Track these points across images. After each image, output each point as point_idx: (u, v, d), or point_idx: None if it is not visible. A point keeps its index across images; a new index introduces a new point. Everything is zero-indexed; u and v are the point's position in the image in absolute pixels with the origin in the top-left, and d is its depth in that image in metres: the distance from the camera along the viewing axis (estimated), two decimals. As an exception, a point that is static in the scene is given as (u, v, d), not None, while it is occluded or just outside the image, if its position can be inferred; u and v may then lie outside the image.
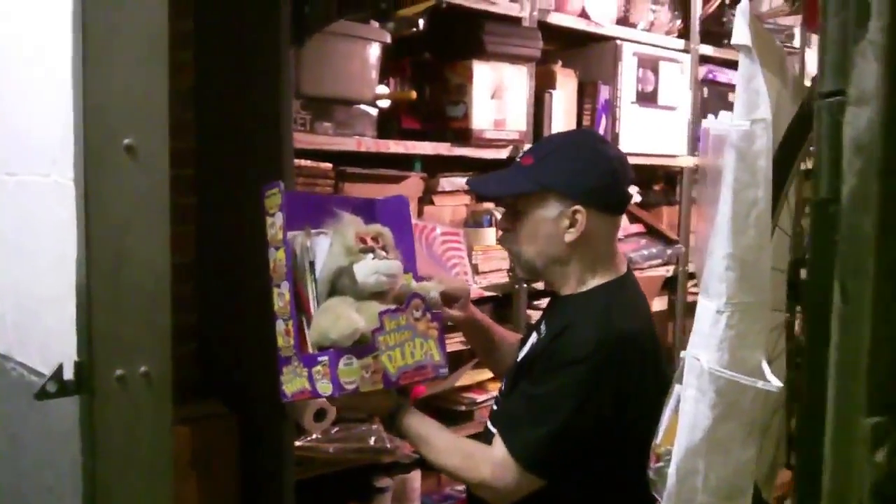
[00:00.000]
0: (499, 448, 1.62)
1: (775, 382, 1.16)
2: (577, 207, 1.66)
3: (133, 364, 1.48)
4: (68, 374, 1.45)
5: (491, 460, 1.62)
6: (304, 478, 2.22)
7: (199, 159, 2.25)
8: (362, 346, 1.59)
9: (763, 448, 1.37)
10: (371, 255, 1.67)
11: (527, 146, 2.69)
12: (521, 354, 1.77)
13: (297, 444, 2.23)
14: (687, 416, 1.23)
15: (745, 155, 1.16)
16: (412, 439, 1.72)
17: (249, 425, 2.15)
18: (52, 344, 1.53)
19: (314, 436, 2.30)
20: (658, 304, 3.28)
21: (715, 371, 1.19)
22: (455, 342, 2.21)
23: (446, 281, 1.88)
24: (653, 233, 3.26)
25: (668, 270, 3.27)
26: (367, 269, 1.65)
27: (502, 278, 2.67)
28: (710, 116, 3.50)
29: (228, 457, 2.11)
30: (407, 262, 1.79)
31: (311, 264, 1.69)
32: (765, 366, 1.19)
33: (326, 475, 2.34)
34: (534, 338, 1.76)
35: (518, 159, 1.77)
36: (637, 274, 3.06)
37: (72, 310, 1.46)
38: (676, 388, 1.31)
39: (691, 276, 3.39)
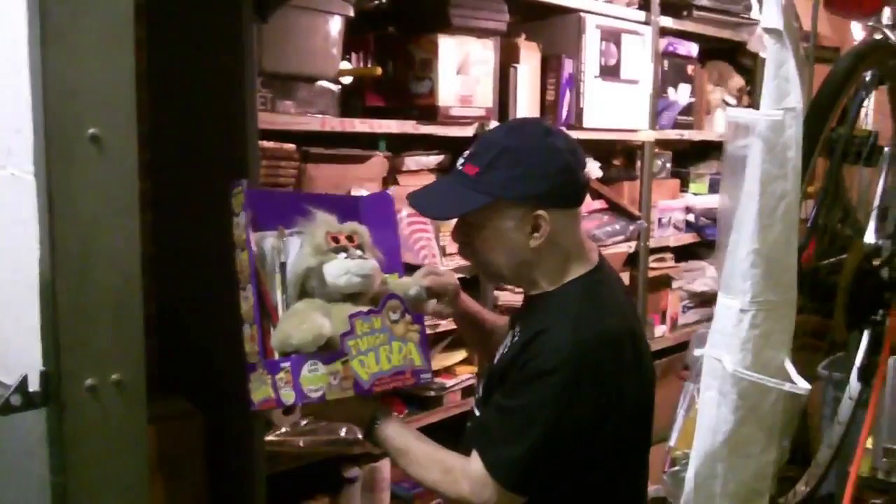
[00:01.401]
0: (476, 464, 1.54)
1: (803, 384, 1.11)
2: (539, 213, 1.55)
3: (104, 372, 1.37)
4: (34, 385, 1.33)
5: (470, 476, 1.54)
6: (273, 472, 2.14)
7: (154, 143, 2.12)
8: (330, 352, 1.50)
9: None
10: (343, 255, 1.56)
11: (493, 123, 2.61)
12: (497, 356, 1.68)
13: (267, 438, 2.13)
14: (707, 418, 1.18)
15: (773, 146, 1.10)
16: (390, 451, 1.63)
17: (217, 423, 2.05)
18: (15, 353, 1.40)
19: (283, 429, 2.22)
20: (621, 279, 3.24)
21: (738, 373, 1.14)
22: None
23: (431, 275, 1.76)
24: (614, 209, 3.22)
25: (630, 246, 3.23)
26: (338, 270, 1.55)
27: (470, 260, 2.59)
28: (670, 90, 3.48)
29: (197, 457, 2.01)
30: (391, 261, 1.70)
31: (283, 265, 1.60)
32: (789, 366, 1.14)
33: (294, 467, 2.26)
34: (509, 339, 1.67)
35: (459, 167, 1.61)
36: (601, 251, 3.06)
37: (35, 315, 1.34)
38: (688, 387, 1.25)
39: (653, 251, 3.37)
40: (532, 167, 1.55)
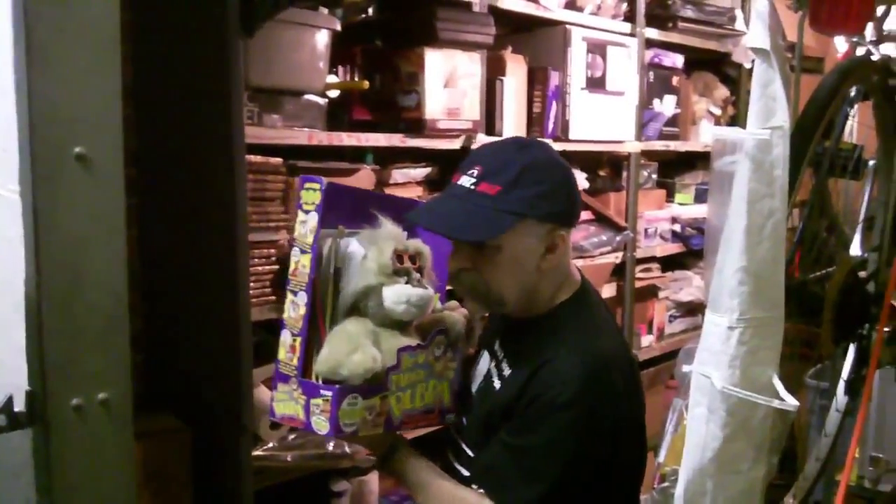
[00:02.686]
0: None
1: (791, 401, 1.12)
2: (560, 232, 1.52)
3: (91, 391, 1.36)
4: (19, 405, 1.32)
5: None
6: (261, 487, 2.13)
7: (140, 158, 2.11)
8: (371, 385, 1.43)
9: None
10: (405, 279, 1.49)
11: (480, 135, 2.62)
12: (478, 386, 1.64)
13: (254, 453, 2.12)
14: (695, 435, 1.18)
15: (760, 164, 1.11)
16: (407, 484, 1.58)
17: (204, 438, 2.04)
18: (0, 373, 1.39)
19: (270, 444, 2.20)
20: (607, 290, 3.25)
21: (727, 389, 1.14)
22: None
23: (461, 310, 1.68)
24: (601, 220, 3.23)
25: (617, 257, 3.24)
26: (398, 296, 1.48)
27: (458, 273, 2.59)
28: (656, 101, 3.49)
29: (184, 473, 2.00)
30: (440, 283, 1.65)
31: (337, 271, 1.52)
32: (777, 383, 1.15)
33: (281, 482, 2.24)
34: (491, 367, 1.62)
35: (470, 186, 1.51)
36: (587, 262, 3.07)
37: (21, 335, 1.33)
38: (677, 403, 1.26)
39: (640, 261, 3.38)
40: (554, 185, 1.51)
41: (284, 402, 1.47)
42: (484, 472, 1.52)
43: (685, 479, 1.20)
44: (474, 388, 1.64)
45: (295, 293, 1.48)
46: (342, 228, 1.53)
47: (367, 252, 1.51)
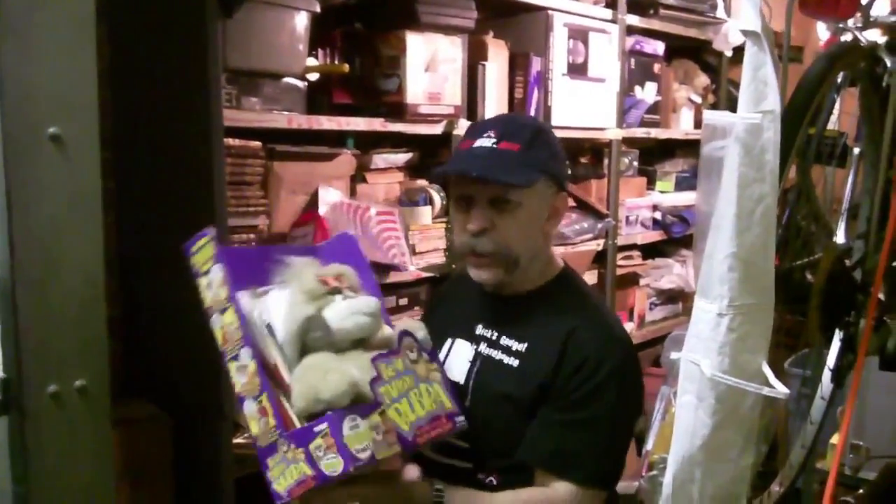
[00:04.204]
0: (564, 488, 1.46)
1: (781, 389, 1.11)
2: (563, 194, 1.60)
3: (67, 378, 1.33)
4: (-6, 392, 1.29)
5: (566, 500, 1.46)
6: (242, 475, 2.10)
7: (117, 141, 2.07)
8: (364, 404, 1.28)
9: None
10: (340, 296, 1.39)
11: (462, 121, 2.59)
12: (469, 370, 1.60)
13: (235, 441, 2.09)
14: (684, 422, 1.17)
15: (751, 149, 1.09)
16: None
17: (184, 426, 2.01)
18: (-27, 360, 1.36)
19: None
20: (589, 277, 3.24)
21: (716, 377, 1.13)
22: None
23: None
24: (582, 207, 3.21)
25: (598, 244, 3.23)
26: (342, 312, 1.37)
27: (440, 258, 2.57)
28: (637, 88, 3.48)
29: (163, 461, 1.97)
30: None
31: (269, 327, 1.38)
32: (767, 370, 1.13)
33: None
34: (484, 349, 1.60)
35: (494, 146, 1.53)
36: (568, 249, 3.06)
37: (-6, 321, 1.30)
38: (664, 391, 1.24)
39: (621, 248, 3.37)
40: (558, 150, 1.60)
41: (283, 473, 1.25)
42: (549, 457, 1.48)
43: (673, 468, 1.19)
44: (461, 377, 1.59)
45: (235, 357, 1.32)
46: (255, 289, 1.44)
47: (291, 289, 1.42)
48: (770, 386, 1.12)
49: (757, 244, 1.12)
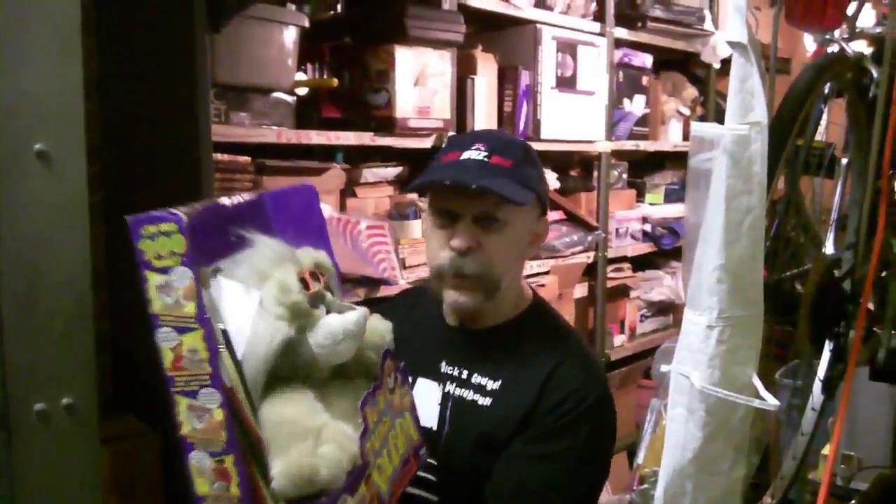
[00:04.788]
0: None
1: (771, 400, 1.10)
2: (545, 218, 1.51)
3: (54, 396, 1.32)
4: (-21, 411, 1.28)
5: None
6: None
7: (105, 154, 2.06)
8: (351, 473, 1.06)
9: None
10: (324, 309, 1.13)
11: (451, 134, 2.59)
12: (437, 413, 1.46)
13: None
14: (674, 435, 1.17)
15: (738, 160, 1.09)
16: None
17: (172, 443, 1.99)
18: (-42, 378, 1.35)
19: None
20: (579, 290, 3.25)
21: (706, 389, 1.12)
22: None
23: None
24: (572, 219, 3.22)
25: (588, 257, 3.23)
26: (331, 336, 1.11)
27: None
28: (626, 101, 3.49)
29: (153, 477, 1.95)
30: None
31: (225, 334, 1.05)
32: (757, 382, 1.13)
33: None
34: (453, 389, 1.46)
35: (486, 159, 1.41)
36: (558, 261, 3.06)
37: (-20, 338, 1.29)
38: (655, 404, 1.24)
39: (611, 261, 3.37)
40: (541, 170, 1.51)
41: None
42: (512, 493, 1.36)
43: (664, 481, 1.18)
44: (432, 422, 1.45)
45: (192, 394, 0.98)
46: (204, 270, 1.08)
47: (258, 292, 1.09)
48: (761, 398, 1.12)
49: (745, 256, 1.12)
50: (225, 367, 1.01)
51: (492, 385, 1.43)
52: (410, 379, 1.38)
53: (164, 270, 0.99)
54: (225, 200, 1.22)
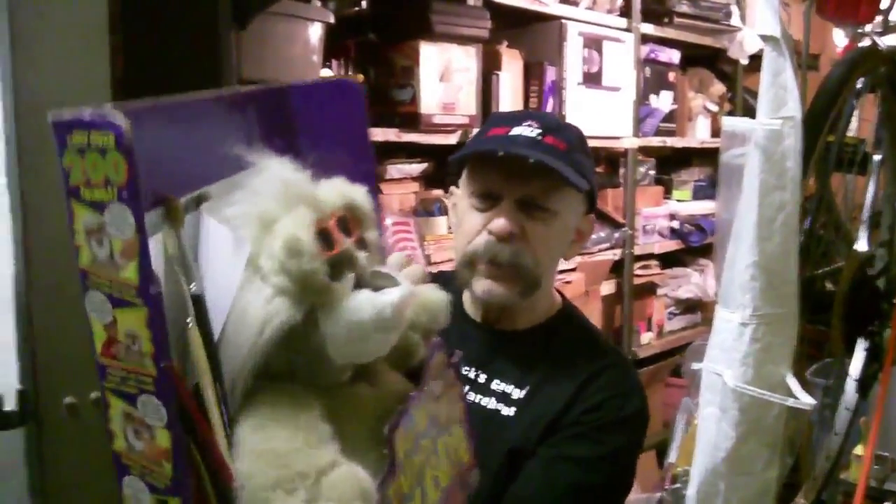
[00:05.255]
0: None
1: (806, 399, 1.08)
2: (591, 215, 1.35)
3: (84, 390, 1.32)
4: (10, 404, 1.30)
5: None
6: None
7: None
8: None
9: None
10: (349, 277, 0.77)
11: (476, 131, 2.58)
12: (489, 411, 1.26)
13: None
14: (707, 434, 1.15)
15: (771, 156, 1.07)
16: None
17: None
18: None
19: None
20: (606, 287, 3.22)
21: (739, 388, 1.11)
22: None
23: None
24: (599, 216, 3.19)
25: (615, 254, 3.21)
26: (357, 325, 0.76)
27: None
28: (652, 97, 3.46)
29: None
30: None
31: (198, 301, 0.73)
32: (792, 381, 1.11)
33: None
34: (481, 397, 1.28)
35: (539, 137, 1.23)
36: (585, 258, 3.04)
37: (11, 333, 1.30)
38: (686, 402, 1.22)
39: (638, 258, 3.35)
40: (593, 161, 1.35)
41: None
42: (542, 492, 1.20)
43: (697, 480, 1.16)
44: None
45: (130, 398, 0.67)
46: (175, 202, 0.73)
47: (257, 251, 0.75)
48: (795, 397, 1.10)
49: (778, 253, 1.10)
50: (192, 360, 0.71)
51: (517, 394, 1.26)
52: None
53: (96, 206, 0.64)
54: (220, 93, 0.89)
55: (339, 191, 0.81)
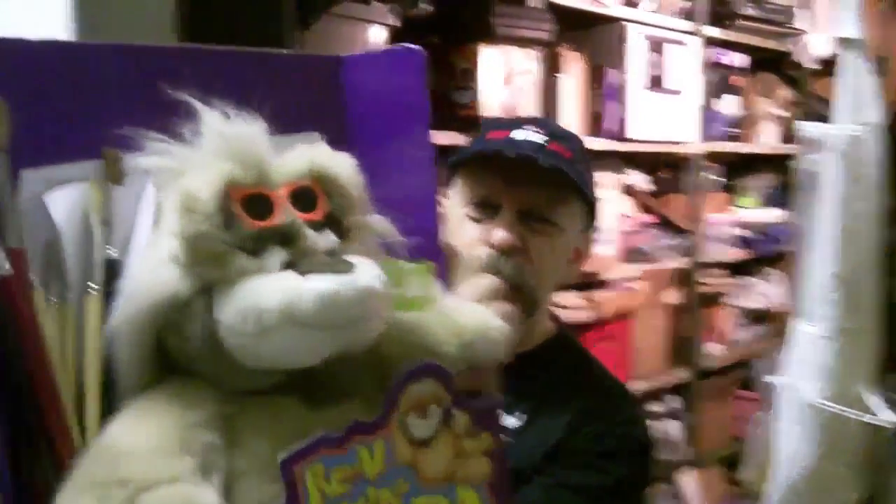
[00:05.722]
0: None
1: (887, 416, 1.02)
2: (588, 234, 1.24)
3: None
4: None
5: None
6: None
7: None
8: None
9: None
10: (278, 255, 0.63)
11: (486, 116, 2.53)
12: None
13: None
14: (785, 451, 1.10)
15: (851, 162, 1.02)
16: None
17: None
18: None
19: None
20: (671, 296, 3.15)
21: (819, 404, 1.05)
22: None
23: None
24: (664, 223, 3.13)
25: (680, 262, 3.14)
26: (250, 310, 0.60)
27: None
28: (717, 101, 3.39)
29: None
30: (421, 218, 0.83)
31: (111, 268, 0.68)
32: (872, 397, 1.05)
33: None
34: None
35: (545, 143, 1.14)
36: (649, 266, 2.96)
37: None
38: (760, 416, 1.17)
39: (704, 266, 3.26)
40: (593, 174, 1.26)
41: None
42: None
43: (775, 498, 1.11)
44: None
45: None
46: (114, 158, 0.70)
47: (163, 208, 0.65)
48: (874, 413, 1.04)
49: (860, 264, 1.04)
50: (84, 334, 0.67)
51: (512, 422, 1.16)
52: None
53: None
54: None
55: (309, 157, 0.67)
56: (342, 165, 0.68)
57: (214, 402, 0.64)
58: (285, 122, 0.69)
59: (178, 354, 0.65)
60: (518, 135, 1.14)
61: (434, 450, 0.65)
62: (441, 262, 0.78)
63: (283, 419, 0.64)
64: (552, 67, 2.69)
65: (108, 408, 0.67)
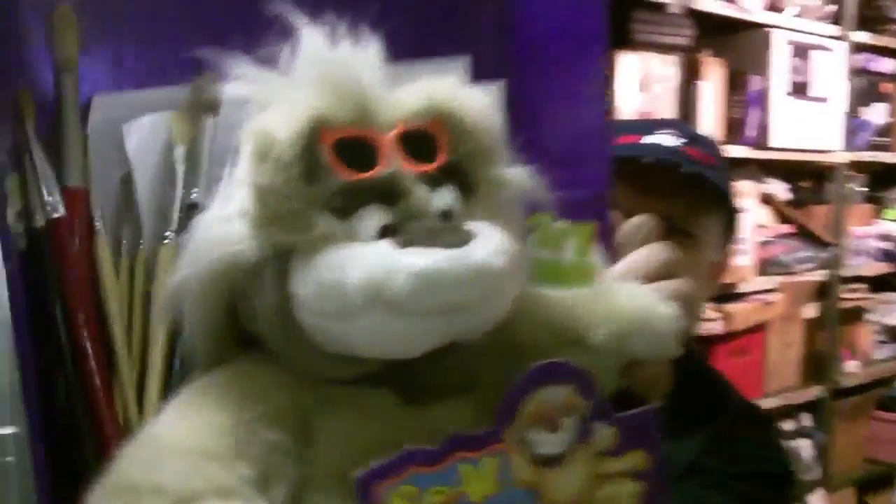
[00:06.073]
0: None
1: None
2: (727, 250, 1.13)
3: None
4: None
5: None
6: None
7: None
8: None
9: None
10: (377, 215, 0.48)
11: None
12: None
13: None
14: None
15: None
16: None
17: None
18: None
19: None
20: (809, 310, 3.04)
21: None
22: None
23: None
24: (804, 234, 3.02)
25: (820, 275, 3.02)
26: (343, 285, 0.45)
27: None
28: (864, 109, 3.26)
29: None
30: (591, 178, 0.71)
31: (190, 214, 0.59)
32: None
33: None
34: None
35: (682, 147, 1.02)
36: (788, 278, 2.87)
37: None
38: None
39: (845, 280, 3.14)
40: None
41: None
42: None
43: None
44: None
45: None
46: (206, 90, 0.60)
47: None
48: None
49: None
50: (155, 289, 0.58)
51: None
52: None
53: None
54: None
55: (428, 91, 0.50)
56: (473, 102, 0.51)
57: (287, 390, 0.50)
58: (426, 47, 0.57)
59: (251, 329, 0.52)
60: (652, 138, 1.04)
61: (565, 470, 0.50)
62: (606, 224, 0.65)
63: (369, 418, 0.49)
64: (691, 74, 2.64)
65: (175, 384, 0.56)
